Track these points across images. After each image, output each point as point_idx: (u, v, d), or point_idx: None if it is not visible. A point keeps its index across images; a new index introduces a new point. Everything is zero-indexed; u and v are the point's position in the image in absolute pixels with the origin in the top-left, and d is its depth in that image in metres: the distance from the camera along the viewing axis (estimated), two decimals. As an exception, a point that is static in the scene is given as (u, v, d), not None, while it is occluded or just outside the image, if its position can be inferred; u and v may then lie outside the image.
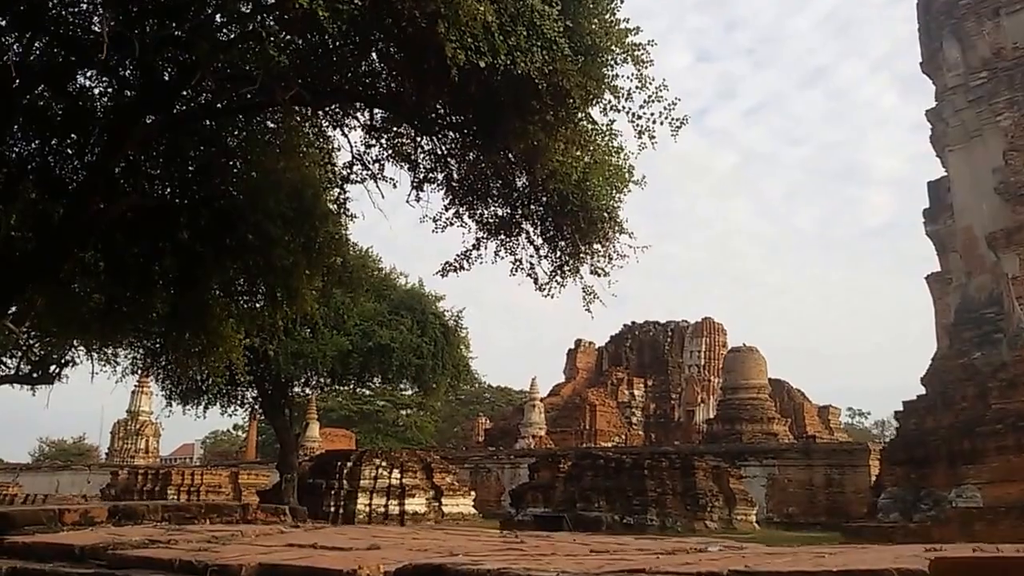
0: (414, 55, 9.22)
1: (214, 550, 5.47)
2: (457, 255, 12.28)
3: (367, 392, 54.59)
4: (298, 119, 12.59)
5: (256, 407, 26.73)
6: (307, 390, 28.46)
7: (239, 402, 26.18)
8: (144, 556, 5.49)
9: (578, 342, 55.44)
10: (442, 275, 12.53)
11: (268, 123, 12.52)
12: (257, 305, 13.76)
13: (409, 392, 57.81)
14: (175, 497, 33.66)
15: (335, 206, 12.07)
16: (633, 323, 55.89)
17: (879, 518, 20.89)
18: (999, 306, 20.44)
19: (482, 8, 7.17)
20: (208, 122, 12.19)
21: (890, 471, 21.49)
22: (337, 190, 12.00)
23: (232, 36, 9.81)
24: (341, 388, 30.19)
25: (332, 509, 27.00)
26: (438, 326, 25.14)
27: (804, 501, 31.50)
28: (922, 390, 22.26)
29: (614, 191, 11.25)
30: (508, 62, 7.73)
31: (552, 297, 12.70)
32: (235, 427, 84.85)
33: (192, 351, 13.86)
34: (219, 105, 11.73)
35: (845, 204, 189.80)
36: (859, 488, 30.40)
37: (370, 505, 28.42)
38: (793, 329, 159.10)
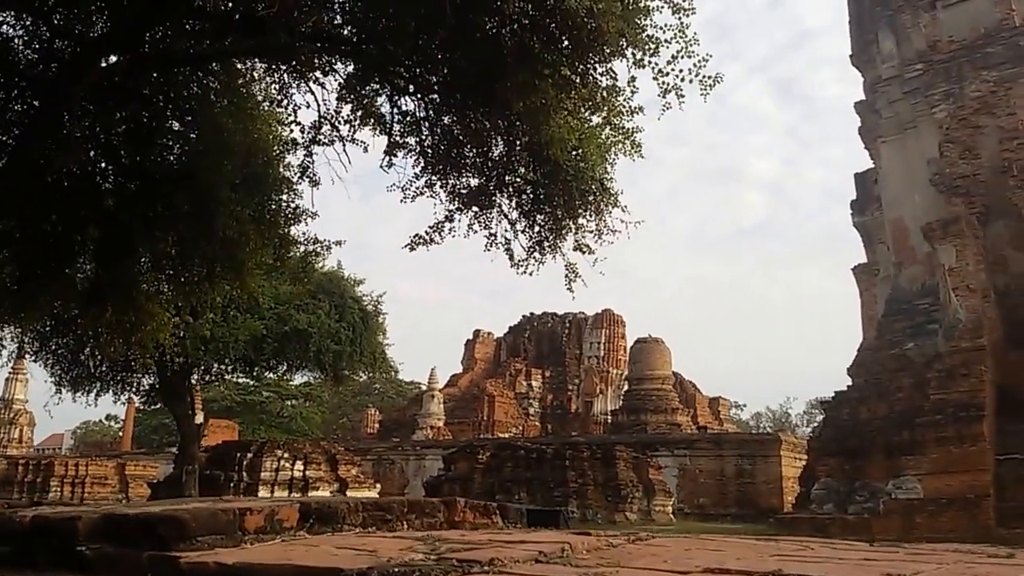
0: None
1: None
2: (428, 227, 11.23)
3: (251, 382, 52.50)
4: (257, 72, 11.28)
5: (152, 394, 24.79)
6: (207, 377, 26.69)
7: (134, 388, 24.22)
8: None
9: (476, 332, 54.58)
10: (411, 248, 11.43)
11: (217, 78, 11.14)
12: (193, 280, 12.31)
13: (297, 382, 56.11)
14: (58, 489, 31.23)
15: (299, 171, 10.76)
16: (532, 314, 55.43)
17: (812, 509, 20.77)
18: (932, 297, 20.56)
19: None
20: (155, 75, 10.73)
21: (822, 462, 21.38)
22: (302, 153, 10.68)
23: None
24: (250, 375, 28.30)
25: (232, 503, 25.32)
26: (357, 311, 23.81)
27: (715, 492, 31.48)
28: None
29: (614, 158, 10.39)
30: None
31: (529, 275, 11.75)
32: (108, 417, 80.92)
33: (116, 329, 12.34)
34: (169, 53, 10.28)
35: (721, 204, 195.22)
36: (770, 478, 30.60)
37: (272, 498, 26.86)
38: (674, 322, 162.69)
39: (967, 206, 19.71)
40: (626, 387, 43.61)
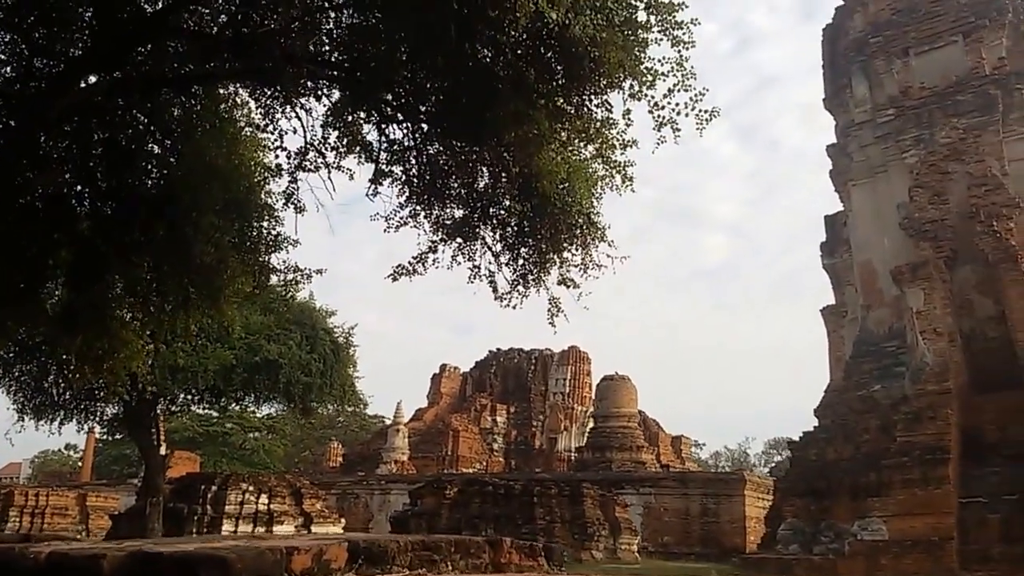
0: (398, 20, 8.10)
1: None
2: (411, 258, 11.15)
3: (214, 413, 51.73)
4: (241, 97, 11.17)
5: (116, 424, 24.28)
6: (173, 407, 26.23)
7: (97, 417, 23.69)
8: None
9: (443, 367, 54.28)
10: (393, 279, 11.35)
11: (200, 101, 11.00)
12: (168, 307, 12.08)
13: (260, 415, 55.31)
14: (16, 519, 30.40)
15: (283, 197, 10.62)
16: (498, 349, 55.27)
17: (778, 550, 20.75)
18: (900, 339, 20.76)
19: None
20: (136, 97, 10.58)
21: (789, 502, 21.40)
22: (287, 180, 10.55)
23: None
24: (217, 406, 27.79)
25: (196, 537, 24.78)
26: (328, 343, 23.49)
27: (679, 530, 31.38)
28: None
29: (601, 191, 10.39)
30: (566, 20, 6.69)
31: (513, 308, 11.69)
32: (67, 446, 79.23)
33: (87, 356, 12.07)
34: (153, 75, 10.15)
35: (684, 244, 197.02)
36: (734, 518, 30.56)
37: (236, 532, 26.33)
38: (636, 360, 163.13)
39: (935, 250, 20.00)
40: (591, 424, 43.51)
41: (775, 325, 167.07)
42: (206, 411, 43.71)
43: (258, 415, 54.00)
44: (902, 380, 20.12)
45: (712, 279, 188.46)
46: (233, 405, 28.27)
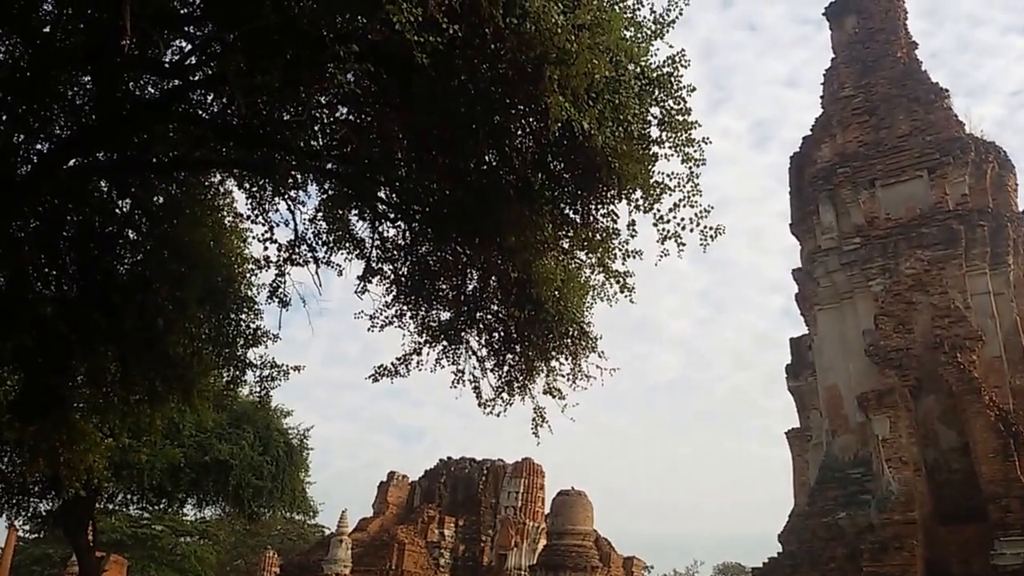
0: (415, 118, 8.02)
1: None
2: (395, 359, 11.01)
3: (144, 516, 49.72)
4: (227, 185, 11.01)
5: (51, 521, 23.08)
6: (111, 505, 25.07)
7: (27, 514, 22.51)
8: None
9: (391, 474, 52.83)
10: (374, 380, 11.15)
11: (184, 187, 10.82)
12: (132, 400, 11.62)
13: (192, 518, 53.03)
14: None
15: (270, 290, 10.36)
16: (449, 458, 54.05)
17: None
18: (865, 467, 20.67)
19: (599, 63, 6.12)
20: (117, 180, 10.37)
21: (754, 631, 20.86)
22: (274, 272, 10.32)
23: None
24: (158, 507, 26.61)
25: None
26: (282, 444, 22.86)
27: (633, 658, 30.33)
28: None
29: (592, 301, 10.31)
30: (591, 130, 6.66)
31: (497, 416, 11.48)
32: (-20, 546, 75.07)
33: (42, 447, 11.49)
34: (140, 158, 9.95)
35: (637, 359, 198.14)
36: (689, 646, 29.64)
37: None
38: (586, 474, 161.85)
39: (900, 378, 20.12)
40: (543, 541, 42.39)
41: (723, 445, 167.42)
42: (137, 512, 41.95)
43: (190, 519, 51.78)
44: (867, 508, 19.93)
45: (664, 393, 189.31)
46: (176, 507, 27.16)
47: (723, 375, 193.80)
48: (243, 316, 11.12)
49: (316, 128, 9.23)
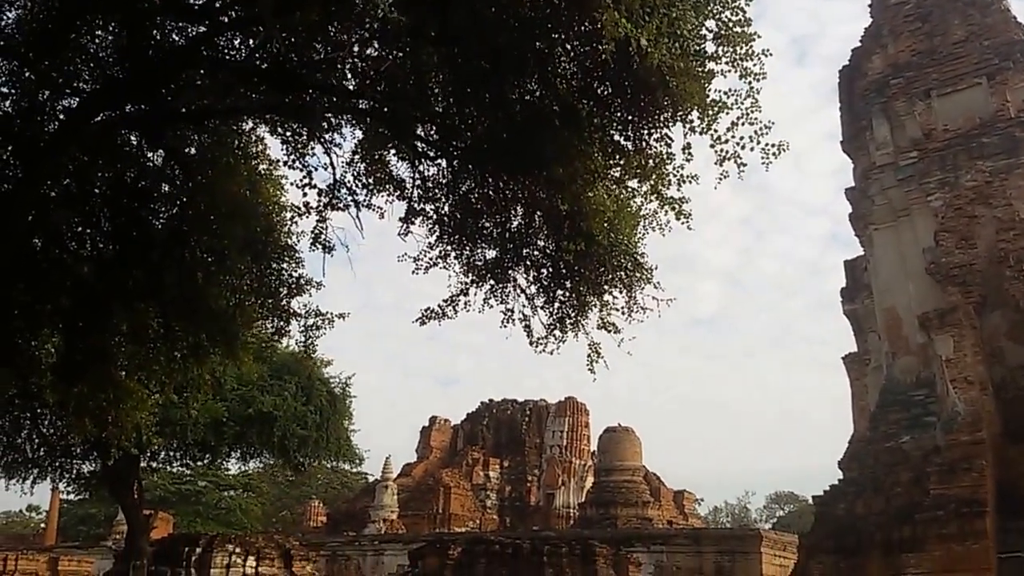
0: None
1: None
2: (441, 301, 10.46)
3: (187, 472, 50.03)
4: (262, 132, 10.44)
5: (93, 482, 23.02)
6: (154, 464, 25.01)
7: (73, 475, 22.45)
8: None
9: (433, 419, 52.91)
10: (421, 323, 10.64)
11: (218, 137, 10.28)
12: (177, 356, 11.19)
13: (234, 471, 53.38)
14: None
15: (312, 237, 9.87)
16: (491, 400, 54.03)
17: (807, 611, 19.70)
18: (928, 388, 19.96)
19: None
20: (149, 132, 9.83)
21: (817, 560, 20.28)
22: (315, 219, 9.80)
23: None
24: (202, 462, 26.54)
25: (179, 602, 23.38)
26: (324, 394, 22.50)
27: (691, 590, 30.23)
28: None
29: (645, 231, 9.69)
30: (648, 48, 6.05)
31: (550, 353, 10.95)
32: (29, 507, 76.69)
33: (88, 408, 11.10)
34: (171, 109, 9.39)
35: (676, 293, 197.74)
36: (749, 576, 29.45)
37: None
38: (632, 411, 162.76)
39: (964, 296, 19.32)
40: (591, 479, 42.30)
41: (772, 375, 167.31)
42: (179, 468, 42.31)
43: (232, 472, 52.25)
44: (932, 430, 19.29)
45: (706, 327, 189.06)
46: (219, 461, 27.12)
47: (767, 305, 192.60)
48: (284, 265, 10.64)
49: (349, 67, 8.74)
